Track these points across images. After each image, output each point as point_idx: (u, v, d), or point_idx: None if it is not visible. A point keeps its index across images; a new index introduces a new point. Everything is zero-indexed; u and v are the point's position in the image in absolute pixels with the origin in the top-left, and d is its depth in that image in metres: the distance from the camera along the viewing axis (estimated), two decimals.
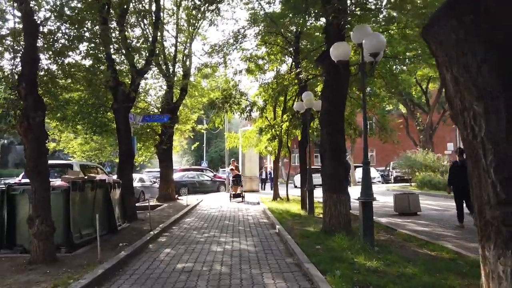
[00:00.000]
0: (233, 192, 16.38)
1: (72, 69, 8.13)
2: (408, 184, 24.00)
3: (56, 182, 7.40)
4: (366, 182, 5.83)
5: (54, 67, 8.44)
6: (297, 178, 25.85)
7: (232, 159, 18.63)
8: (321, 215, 10.11)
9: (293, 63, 15.27)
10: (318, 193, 10.74)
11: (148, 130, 17.06)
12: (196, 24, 16.96)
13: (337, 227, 6.82)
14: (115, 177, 10.74)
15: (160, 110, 16.46)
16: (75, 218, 6.75)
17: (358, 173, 29.72)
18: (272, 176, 26.82)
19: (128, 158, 10.44)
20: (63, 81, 8.11)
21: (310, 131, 15.93)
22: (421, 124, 27.93)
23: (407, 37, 9.49)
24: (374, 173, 30.18)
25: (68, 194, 6.67)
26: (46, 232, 5.57)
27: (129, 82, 10.63)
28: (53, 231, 5.71)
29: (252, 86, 77.79)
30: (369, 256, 5.05)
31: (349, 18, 7.05)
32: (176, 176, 22.41)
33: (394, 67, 12.34)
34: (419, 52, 10.55)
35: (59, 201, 6.65)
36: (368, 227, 5.71)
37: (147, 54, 10.25)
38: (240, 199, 15.95)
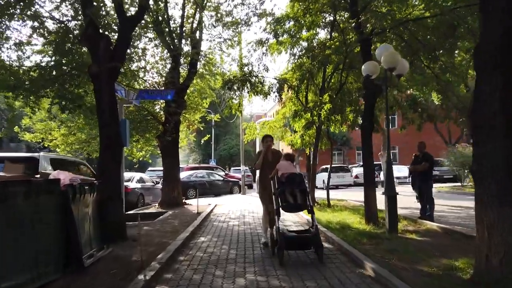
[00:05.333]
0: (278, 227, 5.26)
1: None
2: (459, 184, 20.36)
3: None
4: None
5: None
6: (319, 177, 22.21)
7: (267, 135, 6.70)
8: (409, 235, 6.54)
9: (334, 29, 11.76)
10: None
11: (148, 118, 13.65)
12: None
13: None
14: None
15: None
16: None
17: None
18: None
19: (114, 148, 6.95)
20: None
21: (336, 117, 12.30)
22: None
23: None
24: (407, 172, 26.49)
25: None
26: None
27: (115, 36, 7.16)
28: None
29: (279, 64, 72.61)
30: None
31: None
32: (183, 175, 19.02)
33: None
34: None
35: None
36: None
37: None
38: (310, 249, 5.37)
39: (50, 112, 8.64)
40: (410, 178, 9.56)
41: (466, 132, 25.96)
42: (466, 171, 20.32)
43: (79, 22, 7.04)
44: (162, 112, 13.93)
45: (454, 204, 12.06)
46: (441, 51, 9.53)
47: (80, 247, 4.76)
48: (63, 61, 7.35)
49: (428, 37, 9.30)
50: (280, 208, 5.32)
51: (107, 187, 6.50)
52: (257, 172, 15.38)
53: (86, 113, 9.16)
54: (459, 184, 20.65)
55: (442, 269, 4.27)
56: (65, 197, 4.63)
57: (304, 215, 8.71)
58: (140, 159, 15.47)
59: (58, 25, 7.15)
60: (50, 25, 7.47)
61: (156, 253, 5.57)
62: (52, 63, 7.45)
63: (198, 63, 14.11)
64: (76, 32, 7.45)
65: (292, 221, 8.84)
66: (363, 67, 7.09)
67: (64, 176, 4.99)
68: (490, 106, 3.38)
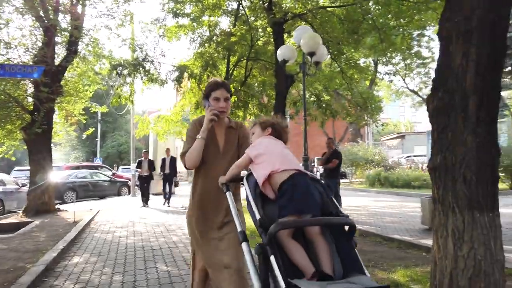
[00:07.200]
0: None
1: None
2: (347, 180, 21.53)
3: None
4: None
5: None
6: None
7: (220, 83, 2.44)
8: None
9: (238, 19, 10.87)
10: None
11: (10, 104, 10.95)
12: None
13: None
14: None
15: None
16: None
17: None
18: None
19: None
20: None
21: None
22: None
23: None
24: None
25: None
26: None
27: None
28: None
29: (175, 52, 66.91)
30: None
31: None
32: (60, 175, 16.21)
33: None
34: None
35: None
36: None
37: None
38: None
39: None
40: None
41: (352, 131, 27.80)
42: (353, 168, 21.68)
43: None
44: (30, 99, 11.37)
45: (349, 200, 12.26)
46: (346, 45, 9.38)
47: None
48: None
49: (336, 30, 9.07)
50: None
51: None
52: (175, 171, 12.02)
53: None
54: (347, 180, 21.87)
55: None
56: None
57: None
58: (0, 156, 12.48)
59: None
60: None
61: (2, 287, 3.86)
62: None
63: (80, 42, 11.90)
64: None
65: None
66: (278, 51, 6.25)
67: None
68: (461, 81, 2.71)
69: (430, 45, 21.52)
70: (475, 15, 2.62)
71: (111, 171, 24.14)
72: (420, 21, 9.48)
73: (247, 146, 2.27)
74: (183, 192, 18.46)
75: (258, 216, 1.65)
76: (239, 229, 1.83)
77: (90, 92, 13.91)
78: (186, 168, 2.39)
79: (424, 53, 21.75)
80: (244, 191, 1.85)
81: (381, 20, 8.90)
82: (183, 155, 2.38)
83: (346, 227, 1.74)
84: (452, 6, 2.75)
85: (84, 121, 15.89)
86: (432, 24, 10.67)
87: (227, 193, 2.06)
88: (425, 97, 30.54)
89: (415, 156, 25.99)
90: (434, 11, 8.54)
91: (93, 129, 19.22)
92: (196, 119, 2.54)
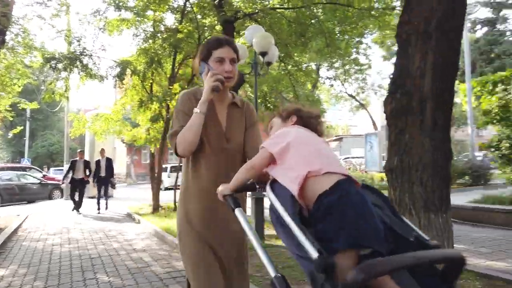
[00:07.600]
0: None
1: None
2: None
3: None
4: None
5: None
6: (167, 178, 20.54)
7: (223, 38, 1.85)
8: (276, 241, 5.83)
9: (184, 16, 10.54)
10: None
11: None
12: None
13: None
14: None
15: None
16: None
17: None
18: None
19: None
20: None
21: None
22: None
23: None
24: None
25: None
26: None
27: None
28: None
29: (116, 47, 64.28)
30: None
31: None
32: None
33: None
34: None
35: None
36: None
37: None
38: None
39: None
40: None
41: None
42: None
43: None
44: None
45: None
46: (294, 47, 9.51)
47: None
48: None
49: (284, 31, 9.14)
50: None
51: None
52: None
53: None
54: None
55: None
56: None
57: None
58: None
59: None
60: None
61: None
62: None
63: (8, 32, 10.81)
64: None
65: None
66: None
67: None
68: (419, 85, 2.75)
69: (367, 52, 22.65)
70: (434, 18, 2.69)
71: (41, 172, 22.35)
72: (362, 28, 9.87)
73: (255, 134, 1.79)
74: (122, 195, 17.58)
75: (315, 254, 0.96)
76: (272, 274, 1.09)
77: (19, 87, 12.71)
78: (177, 154, 1.70)
79: (361, 60, 22.86)
80: (269, 209, 1.23)
81: (322, 27, 9.12)
82: (173, 135, 1.70)
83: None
84: (412, 8, 2.80)
85: (11, 118, 14.54)
86: (374, 31, 11.16)
87: (237, 211, 1.37)
88: (362, 101, 32.29)
89: (352, 157, 27.11)
90: (376, 18, 8.93)
91: (21, 127, 17.58)
92: (188, 91, 1.85)
